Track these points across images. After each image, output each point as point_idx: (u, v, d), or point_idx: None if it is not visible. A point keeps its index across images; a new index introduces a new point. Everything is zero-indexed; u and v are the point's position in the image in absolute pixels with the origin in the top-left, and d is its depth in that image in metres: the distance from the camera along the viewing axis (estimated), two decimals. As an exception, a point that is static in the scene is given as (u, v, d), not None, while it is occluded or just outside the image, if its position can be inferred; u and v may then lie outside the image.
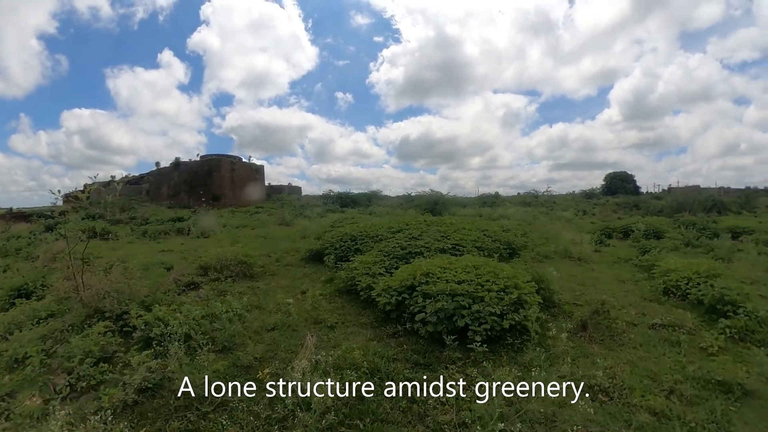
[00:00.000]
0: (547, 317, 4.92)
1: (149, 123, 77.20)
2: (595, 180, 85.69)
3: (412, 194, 31.82)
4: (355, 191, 34.09)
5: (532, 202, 32.39)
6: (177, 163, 32.16)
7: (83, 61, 69.89)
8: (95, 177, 10.01)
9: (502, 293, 4.34)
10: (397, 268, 5.97)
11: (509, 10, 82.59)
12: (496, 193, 39.58)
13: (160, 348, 3.85)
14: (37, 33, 68.65)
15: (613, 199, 32.25)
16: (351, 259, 7.27)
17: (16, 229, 17.01)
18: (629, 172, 42.82)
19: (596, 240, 12.18)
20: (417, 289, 4.65)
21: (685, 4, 75.93)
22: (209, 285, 6.52)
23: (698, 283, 5.78)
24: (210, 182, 32.06)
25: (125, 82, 74.96)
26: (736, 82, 77.57)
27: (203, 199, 31.55)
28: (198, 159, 33.24)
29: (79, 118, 68.71)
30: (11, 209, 24.57)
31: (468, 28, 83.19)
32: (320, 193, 37.33)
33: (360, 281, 5.74)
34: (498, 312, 4.10)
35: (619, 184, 40.18)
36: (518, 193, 41.20)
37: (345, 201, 29.98)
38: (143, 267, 7.22)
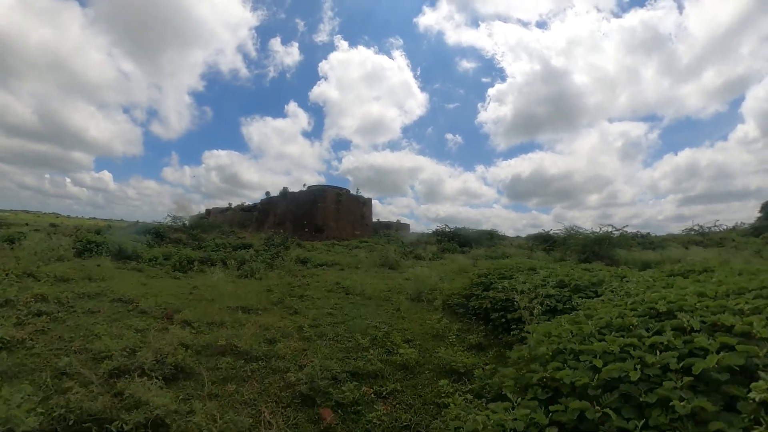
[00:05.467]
0: None
1: (276, 163, 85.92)
2: (734, 214, 61.57)
3: (551, 232, 22.32)
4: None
5: (705, 241, 23.40)
6: (284, 193, 30.95)
7: (223, 111, 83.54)
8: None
9: None
10: None
11: (613, 31, 68.94)
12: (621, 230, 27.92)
13: None
14: (189, 90, 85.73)
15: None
16: None
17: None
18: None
19: None
20: None
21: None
22: None
23: None
24: (314, 212, 29.76)
25: (257, 128, 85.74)
26: None
27: (306, 230, 29.22)
28: (305, 189, 31.63)
29: (217, 157, 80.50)
30: (137, 222, 25.53)
31: (573, 57, 72.65)
32: (429, 230, 31.39)
33: None
34: None
35: (781, 214, 28.43)
36: (646, 233, 31.23)
37: (463, 240, 23.67)
38: None
